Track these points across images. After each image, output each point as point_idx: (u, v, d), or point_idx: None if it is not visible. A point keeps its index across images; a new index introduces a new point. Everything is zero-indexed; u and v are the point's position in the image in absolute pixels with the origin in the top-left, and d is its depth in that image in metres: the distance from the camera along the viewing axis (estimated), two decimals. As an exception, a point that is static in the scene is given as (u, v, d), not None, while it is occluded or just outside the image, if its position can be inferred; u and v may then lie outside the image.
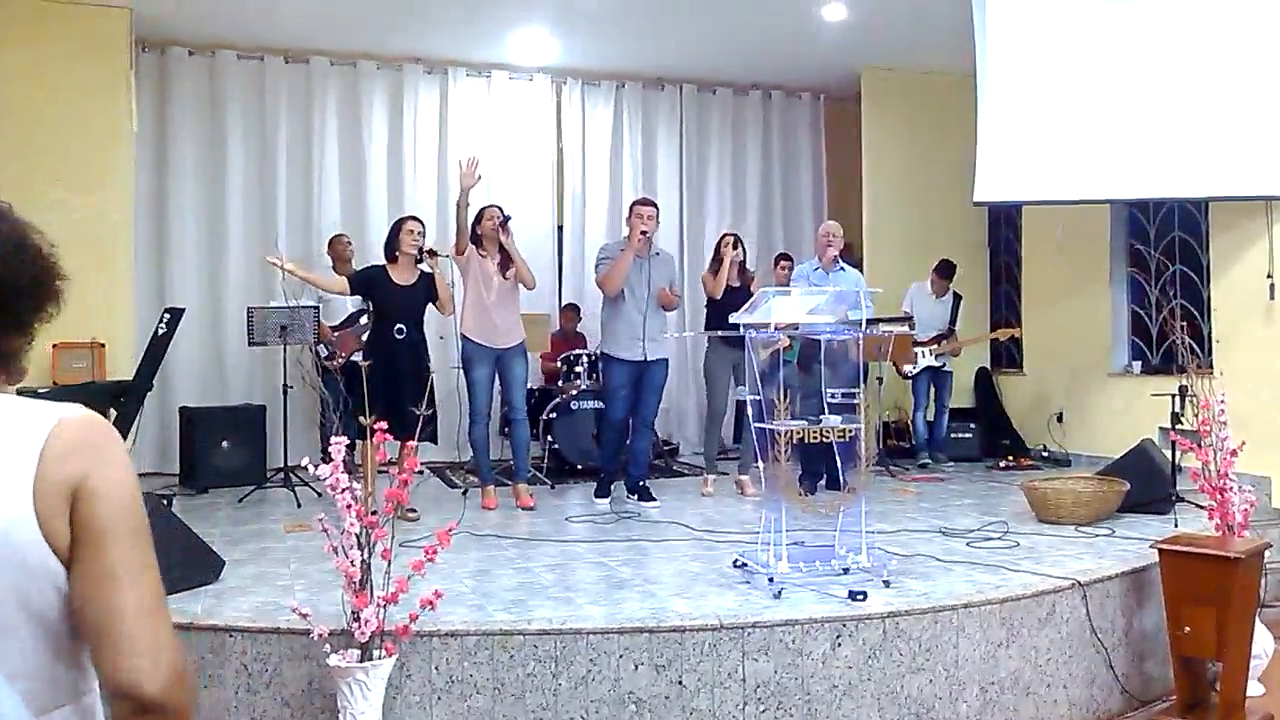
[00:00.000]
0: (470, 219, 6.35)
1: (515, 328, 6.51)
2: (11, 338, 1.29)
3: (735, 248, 6.99)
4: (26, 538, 1.18)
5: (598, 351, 7.34)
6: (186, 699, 1.25)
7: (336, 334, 7.48)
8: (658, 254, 6.73)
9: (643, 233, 6.41)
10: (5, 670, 1.18)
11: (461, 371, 7.29)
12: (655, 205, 6.65)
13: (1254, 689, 4.32)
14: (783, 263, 8.30)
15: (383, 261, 6.31)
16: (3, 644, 1.19)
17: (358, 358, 7.36)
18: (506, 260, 6.39)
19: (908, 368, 8.38)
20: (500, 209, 6.49)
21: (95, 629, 1.21)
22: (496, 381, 6.50)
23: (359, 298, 6.86)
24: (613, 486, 6.73)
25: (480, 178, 6.28)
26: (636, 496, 6.63)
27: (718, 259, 7.08)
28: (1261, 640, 4.35)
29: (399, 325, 6.09)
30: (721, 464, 7.39)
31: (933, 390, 8.48)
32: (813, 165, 10.26)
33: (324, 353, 7.35)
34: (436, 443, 6.66)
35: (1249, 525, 4.43)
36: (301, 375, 7.04)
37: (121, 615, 1.21)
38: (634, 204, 6.71)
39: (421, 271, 6.21)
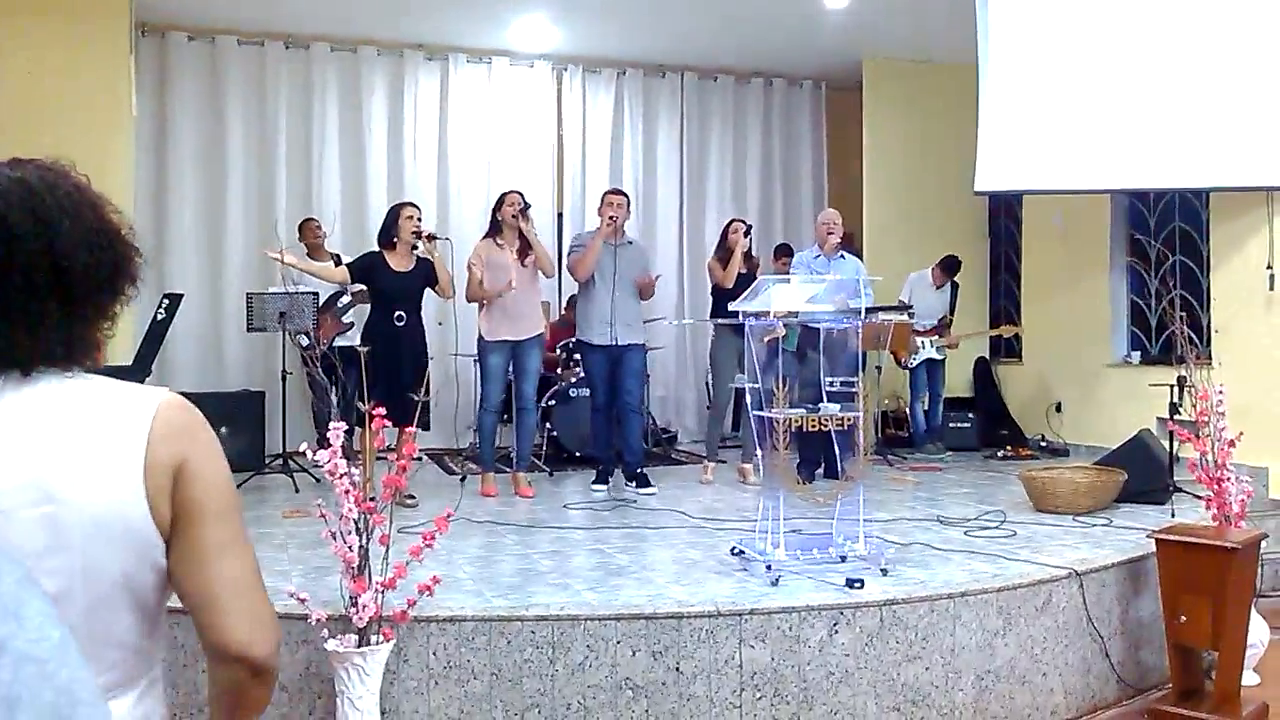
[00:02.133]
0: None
1: (535, 316, 6.53)
2: (97, 325, 1.33)
3: (746, 235, 7.02)
4: (138, 515, 1.24)
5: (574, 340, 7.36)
6: (277, 667, 1.36)
7: (315, 319, 7.43)
8: (630, 243, 6.85)
9: (611, 218, 6.54)
10: (106, 642, 1.24)
11: (457, 359, 7.33)
12: (625, 195, 6.82)
13: (1249, 678, 4.33)
14: (783, 257, 8.30)
15: (377, 248, 6.29)
16: (108, 616, 1.24)
17: (341, 342, 7.38)
18: (525, 248, 6.39)
19: (907, 359, 8.38)
20: (521, 195, 6.50)
21: (202, 599, 1.29)
22: (509, 368, 6.53)
23: (340, 283, 6.91)
24: (610, 475, 6.73)
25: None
26: (635, 484, 6.64)
27: (725, 246, 7.08)
28: (1257, 630, 4.36)
29: (399, 312, 6.09)
30: (722, 452, 7.40)
31: (926, 379, 8.48)
32: (813, 153, 10.24)
33: (304, 342, 7.32)
34: (429, 429, 6.67)
35: (1246, 515, 4.44)
36: (302, 364, 7.06)
37: (230, 585, 1.30)
38: (605, 193, 6.88)
39: (418, 257, 6.20)
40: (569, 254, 6.82)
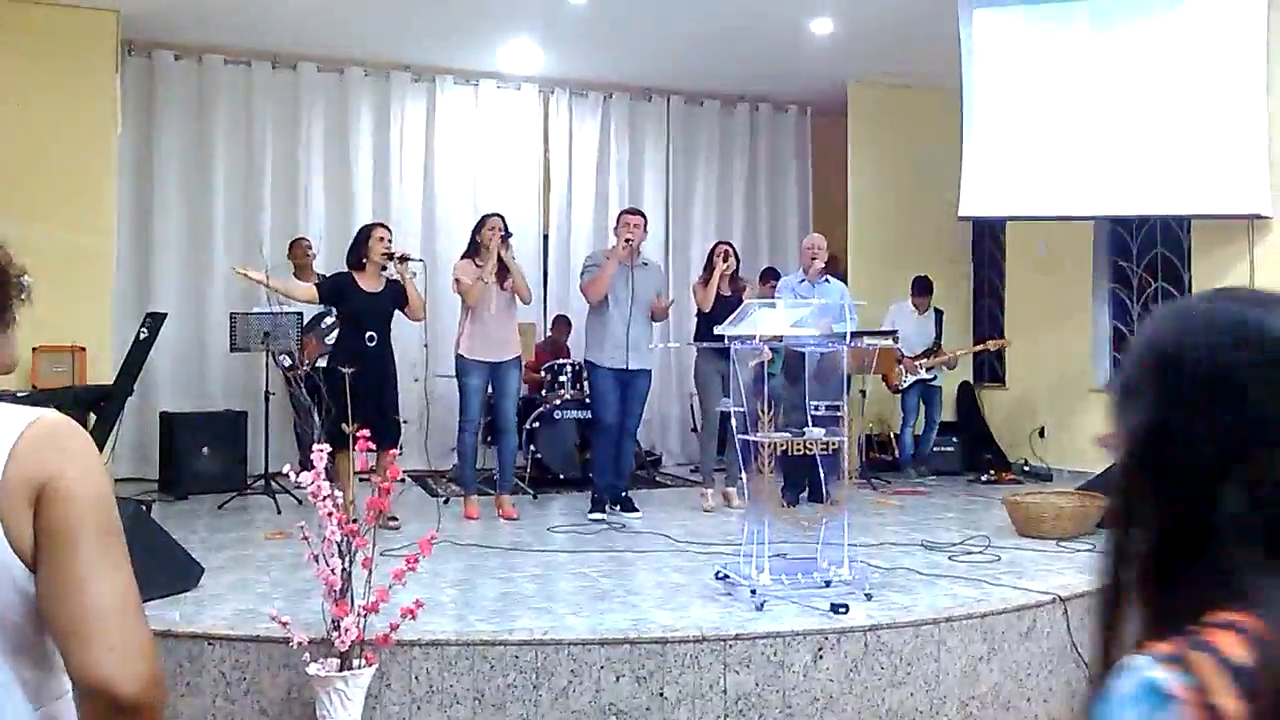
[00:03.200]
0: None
1: (512, 340, 6.52)
2: None
3: (726, 259, 7.00)
4: None
5: (583, 360, 7.34)
6: (160, 700, 1.23)
7: (299, 339, 7.41)
8: (645, 264, 6.77)
9: (627, 240, 6.46)
10: None
11: (437, 379, 7.30)
12: (643, 215, 6.73)
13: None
14: (770, 281, 8.31)
15: (346, 269, 6.28)
16: None
17: (323, 362, 7.34)
18: (504, 271, 6.38)
19: (899, 382, 8.39)
20: (503, 219, 6.49)
21: (65, 629, 1.19)
22: (488, 390, 6.50)
23: (308, 301, 6.90)
24: (607, 503, 6.55)
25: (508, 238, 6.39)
26: (619, 507, 6.60)
27: (710, 268, 7.08)
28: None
29: (369, 333, 6.08)
30: (716, 475, 7.35)
31: (922, 405, 8.50)
32: (798, 178, 10.28)
33: (286, 363, 7.29)
34: (402, 451, 6.64)
35: None
36: (285, 384, 7.02)
37: (92, 614, 1.19)
38: (621, 213, 6.80)
39: (388, 279, 6.19)
40: (582, 274, 6.75)
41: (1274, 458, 0.88)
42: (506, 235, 6.39)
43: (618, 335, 6.50)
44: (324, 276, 7.53)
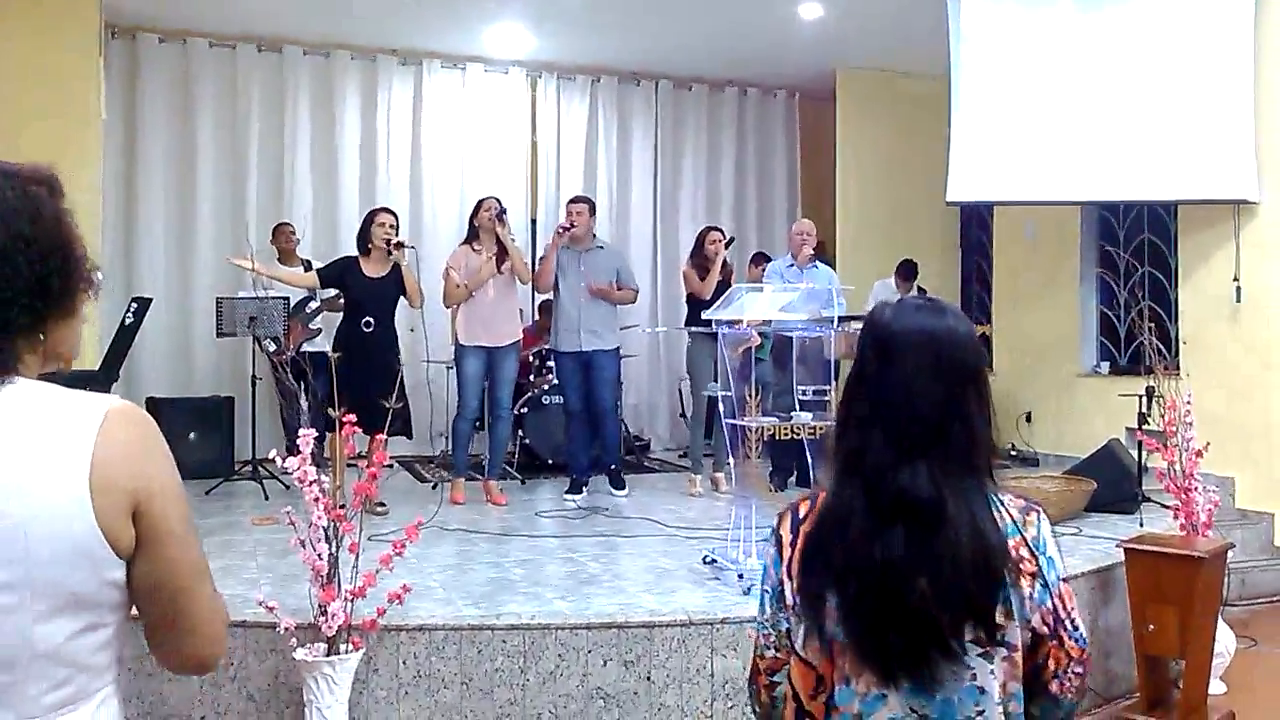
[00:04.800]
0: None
1: (512, 324, 6.54)
2: (30, 333, 1.27)
3: (727, 247, 7.04)
4: (85, 532, 1.20)
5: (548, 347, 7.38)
6: None
7: (285, 324, 7.39)
8: (601, 248, 6.84)
9: (562, 229, 6.58)
10: (55, 659, 1.21)
11: (429, 365, 7.30)
12: (588, 201, 6.82)
13: (1216, 687, 4.37)
14: (761, 263, 8.31)
15: (354, 253, 6.27)
16: (57, 633, 1.21)
17: (309, 347, 7.32)
18: (502, 253, 6.36)
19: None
20: (498, 200, 6.49)
21: (167, 617, 1.30)
22: (485, 376, 6.50)
23: (309, 289, 6.90)
24: (585, 485, 6.65)
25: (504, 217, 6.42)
26: (608, 480, 6.70)
27: (702, 254, 7.08)
28: (1224, 639, 4.40)
29: (367, 318, 6.05)
30: (705, 460, 7.37)
31: None
32: (787, 163, 10.28)
33: (272, 347, 7.26)
34: (411, 437, 6.64)
35: (1213, 525, 4.48)
36: (271, 370, 6.99)
37: (195, 606, 1.31)
38: (567, 201, 6.97)
39: (395, 264, 6.16)
40: (538, 263, 6.85)
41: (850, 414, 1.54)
42: (502, 212, 6.38)
43: (570, 319, 6.59)
44: (309, 262, 7.53)
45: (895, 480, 1.44)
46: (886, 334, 1.52)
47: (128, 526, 1.24)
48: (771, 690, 1.59)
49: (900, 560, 1.41)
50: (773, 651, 1.58)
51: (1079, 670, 1.53)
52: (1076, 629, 1.54)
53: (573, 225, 6.57)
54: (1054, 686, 1.52)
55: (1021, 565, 1.47)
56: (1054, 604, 1.50)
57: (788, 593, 1.54)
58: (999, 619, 1.43)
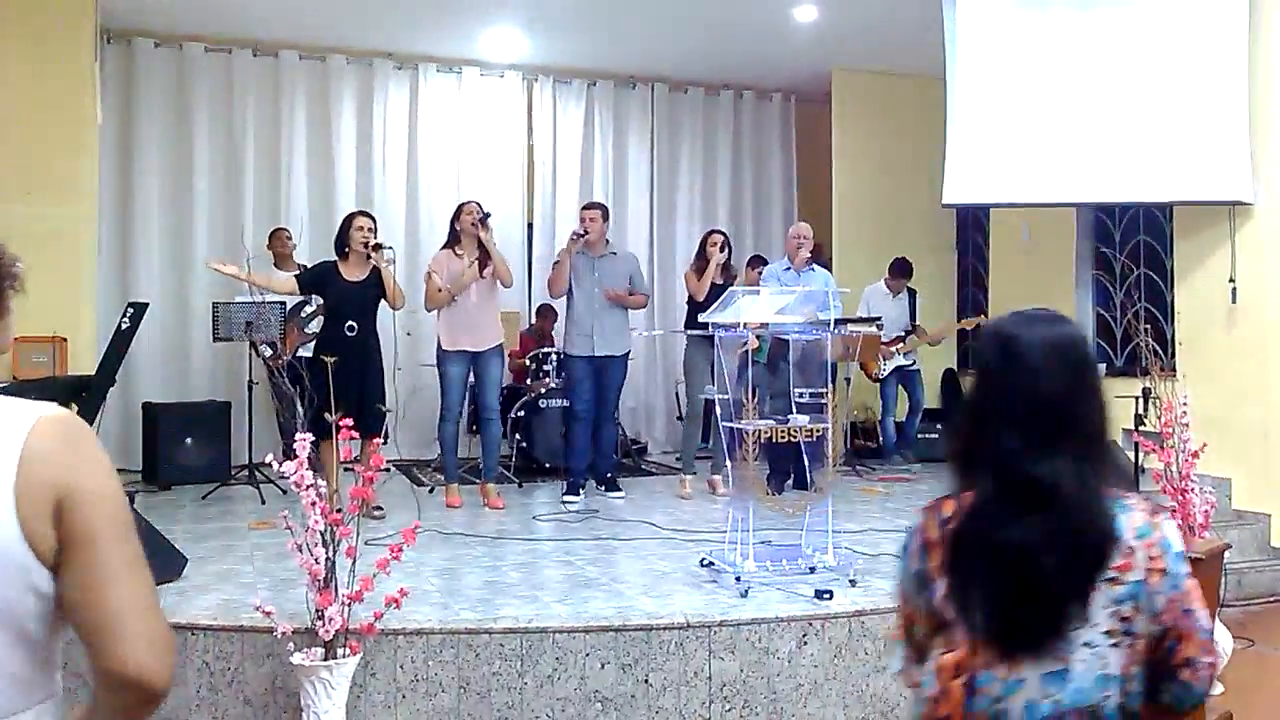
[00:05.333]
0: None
1: (494, 328, 6.52)
2: None
3: (723, 250, 7.04)
4: (10, 542, 1.18)
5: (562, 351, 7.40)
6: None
7: (281, 329, 7.38)
8: (614, 253, 6.85)
9: (577, 235, 6.57)
10: None
11: (419, 369, 7.30)
12: (602, 207, 6.83)
13: (1213, 687, 4.36)
14: (758, 266, 8.30)
15: (333, 258, 6.26)
16: None
17: (304, 352, 7.31)
18: (484, 258, 6.36)
19: (876, 370, 8.41)
20: (479, 204, 6.48)
21: (98, 625, 1.24)
22: (470, 379, 6.49)
23: (288, 293, 6.88)
24: (583, 486, 6.68)
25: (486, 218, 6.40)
26: (604, 487, 6.67)
27: (704, 257, 7.09)
28: (1221, 640, 4.40)
29: (349, 322, 6.05)
30: (698, 463, 7.37)
31: (903, 391, 8.52)
32: (783, 166, 10.28)
33: (268, 352, 7.26)
34: (386, 440, 6.63)
35: (1209, 526, 4.49)
36: (267, 374, 6.99)
37: (125, 613, 1.24)
38: (581, 207, 6.98)
39: (374, 267, 6.16)
40: (552, 268, 6.87)
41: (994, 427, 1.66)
42: (485, 216, 6.36)
43: (584, 324, 6.61)
44: (305, 267, 7.52)
45: (1028, 470, 1.60)
46: (1014, 341, 1.68)
47: (49, 529, 1.20)
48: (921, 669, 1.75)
49: (1031, 544, 1.57)
50: (918, 635, 1.75)
51: (1209, 660, 1.65)
52: (1203, 623, 1.65)
53: (587, 232, 6.56)
54: (1186, 673, 1.64)
55: (1152, 563, 1.61)
56: (1181, 599, 1.62)
57: (933, 584, 1.68)
58: (1128, 611, 1.59)
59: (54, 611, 1.24)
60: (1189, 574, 1.67)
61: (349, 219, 6.30)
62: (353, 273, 6.13)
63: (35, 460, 1.20)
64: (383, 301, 6.21)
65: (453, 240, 6.47)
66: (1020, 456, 1.61)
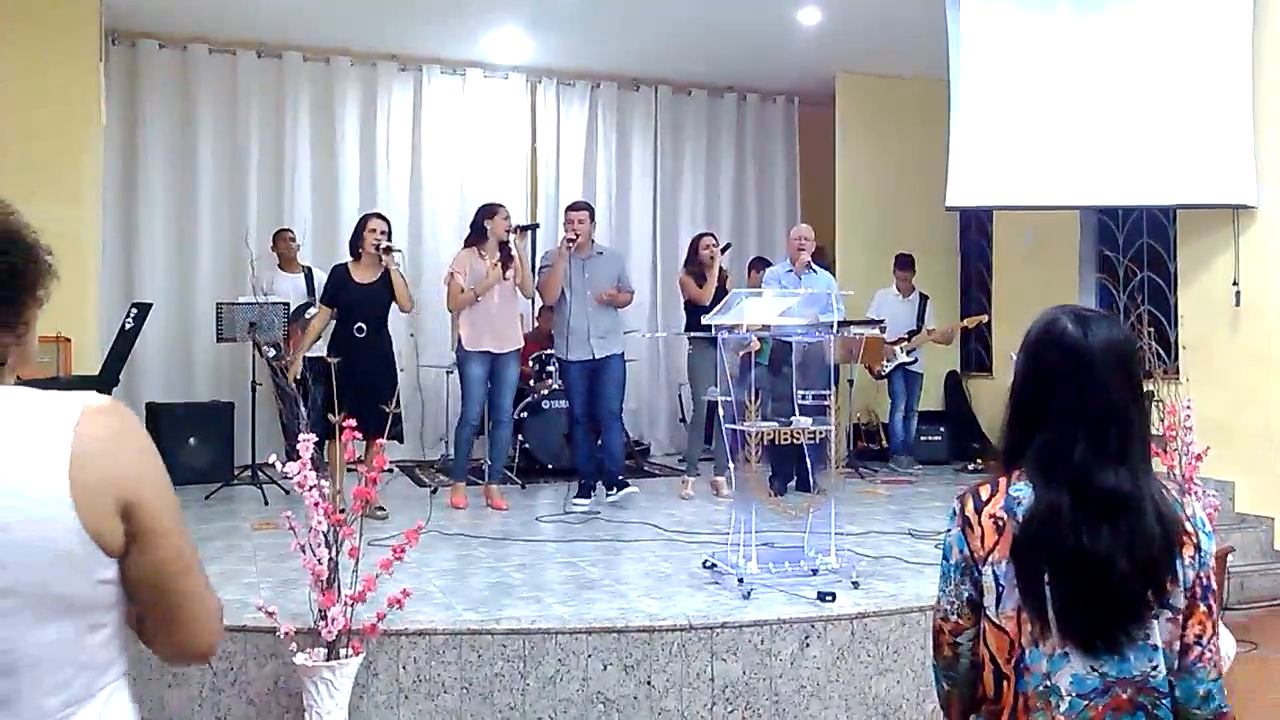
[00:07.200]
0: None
1: (515, 331, 6.54)
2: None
3: (724, 252, 7.03)
4: (69, 535, 1.19)
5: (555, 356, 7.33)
6: None
7: (285, 329, 7.38)
8: (601, 253, 6.79)
9: (569, 241, 6.48)
10: (56, 661, 1.21)
11: (424, 371, 7.29)
12: (588, 207, 6.74)
13: (1226, 698, 4.35)
14: (760, 268, 8.31)
15: (343, 261, 6.29)
16: (54, 635, 1.21)
17: (317, 351, 7.32)
18: (507, 259, 6.34)
19: (880, 368, 8.42)
20: (509, 215, 6.53)
21: (168, 609, 1.30)
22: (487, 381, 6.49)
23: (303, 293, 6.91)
24: (593, 489, 6.61)
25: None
26: (615, 489, 6.56)
27: (697, 261, 7.08)
28: (1223, 643, 4.39)
29: (359, 324, 6.06)
30: (702, 465, 7.36)
31: (903, 389, 8.53)
32: (786, 168, 10.29)
33: (272, 353, 7.26)
34: (402, 441, 6.63)
35: (1212, 529, 4.48)
36: (271, 375, 6.99)
37: (194, 597, 1.32)
38: (566, 209, 6.83)
39: (385, 269, 6.16)
40: (538, 273, 6.80)
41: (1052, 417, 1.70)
42: (530, 228, 6.38)
43: (578, 328, 6.53)
44: (308, 268, 7.57)
45: (1101, 480, 1.65)
46: (1081, 346, 1.70)
47: (117, 525, 1.23)
48: (955, 649, 1.82)
49: (1105, 547, 1.63)
50: (955, 617, 1.80)
51: (1215, 645, 1.69)
52: (1212, 602, 1.71)
53: (576, 236, 6.51)
54: (1193, 654, 1.68)
55: (1185, 538, 1.69)
56: (1204, 575, 1.70)
57: (982, 569, 1.73)
58: (1167, 585, 1.66)
59: (121, 595, 1.27)
60: (1212, 553, 1.74)
61: (364, 220, 6.31)
62: (364, 275, 6.15)
63: (91, 456, 1.21)
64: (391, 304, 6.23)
65: (478, 239, 6.45)
66: (1092, 467, 1.65)
